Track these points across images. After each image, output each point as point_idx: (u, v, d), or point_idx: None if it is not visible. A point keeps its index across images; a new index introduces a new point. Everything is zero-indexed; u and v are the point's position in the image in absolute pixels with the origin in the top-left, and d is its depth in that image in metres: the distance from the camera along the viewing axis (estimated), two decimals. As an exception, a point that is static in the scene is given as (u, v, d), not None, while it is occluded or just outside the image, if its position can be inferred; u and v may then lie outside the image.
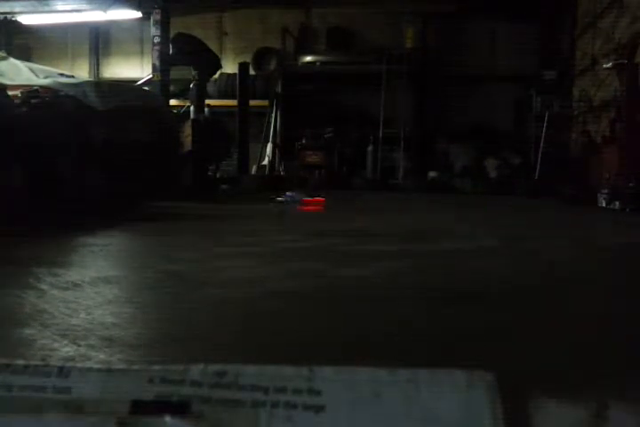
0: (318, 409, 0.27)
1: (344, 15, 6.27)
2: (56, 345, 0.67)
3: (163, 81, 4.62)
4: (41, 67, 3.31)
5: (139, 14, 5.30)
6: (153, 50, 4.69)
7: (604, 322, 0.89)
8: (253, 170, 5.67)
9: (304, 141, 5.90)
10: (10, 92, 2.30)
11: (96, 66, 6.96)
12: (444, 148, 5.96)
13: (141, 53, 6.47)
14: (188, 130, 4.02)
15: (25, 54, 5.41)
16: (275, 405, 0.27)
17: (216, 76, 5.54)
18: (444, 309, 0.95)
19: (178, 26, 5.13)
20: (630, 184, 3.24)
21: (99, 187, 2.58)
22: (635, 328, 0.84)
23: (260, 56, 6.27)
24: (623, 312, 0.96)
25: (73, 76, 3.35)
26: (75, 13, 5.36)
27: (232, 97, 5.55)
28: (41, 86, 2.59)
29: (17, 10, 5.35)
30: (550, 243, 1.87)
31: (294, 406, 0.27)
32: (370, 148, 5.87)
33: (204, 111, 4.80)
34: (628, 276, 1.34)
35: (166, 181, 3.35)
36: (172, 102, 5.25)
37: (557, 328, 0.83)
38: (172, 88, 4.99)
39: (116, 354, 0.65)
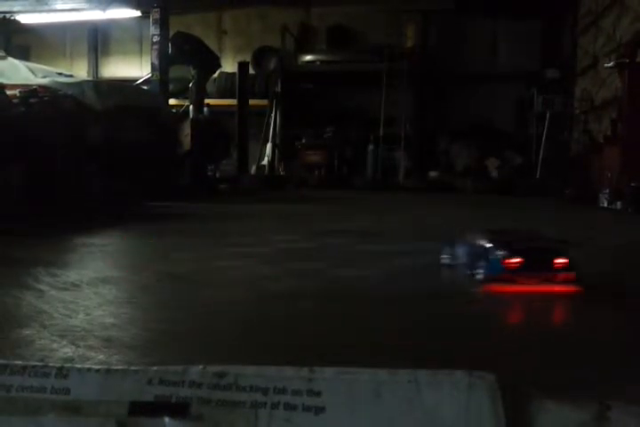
0: (318, 410, 0.27)
1: (344, 14, 6.25)
2: (55, 346, 0.67)
3: (162, 80, 4.61)
4: (39, 66, 3.30)
5: (137, 13, 5.28)
6: (152, 49, 4.67)
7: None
8: (253, 170, 5.66)
9: (304, 141, 5.88)
10: (8, 92, 2.29)
11: (95, 65, 6.94)
12: (444, 147, 5.94)
13: (140, 52, 6.44)
14: (187, 129, 4.01)
15: (24, 54, 5.39)
16: (274, 406, 0.27)
17: (215, 75, 5.53)
18: (443, 310, 0.95)
19: (177, 25, 5.10)
20: (632, 184, 3.19)
21: (97, 186, 2.57)
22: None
23: (260, 55, 6.25)
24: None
25: (72, 76, 3.35)
26: (73, 12, 5.35)
27: (231, 96, 5.53)
28: (39, 86, 2.58)
29: (16, 9, 5.33)
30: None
31: (294, 408, 0.27)
32: (370, 147, 5.86)
33: (203, 111, 4.79)
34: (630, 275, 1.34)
35: (165, 180, 3.33)
36: (171, 102, 5.23)
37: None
38: (171, 87, 4.98)
39: (115, 355, 0.64)
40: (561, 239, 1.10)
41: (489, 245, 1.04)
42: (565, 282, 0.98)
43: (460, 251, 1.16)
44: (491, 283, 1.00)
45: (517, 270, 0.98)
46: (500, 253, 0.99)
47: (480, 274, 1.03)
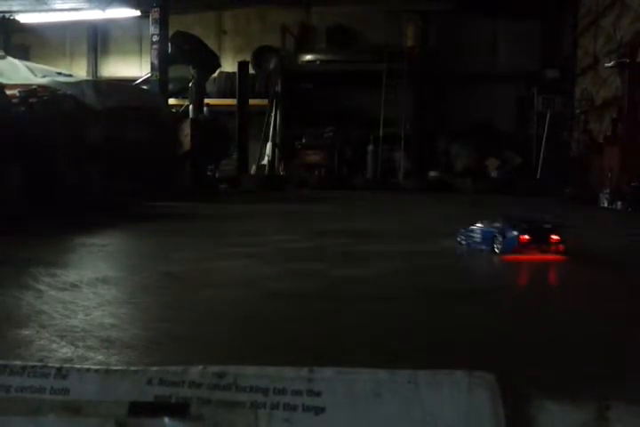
0: (318, 411, 0.27)
1: (344, 14, 6.25)
2: (54, 346, 0.67)
3: (161, 80, 4.61)
4: (39, 66, 3.31)
5: (137, 13, 5.29)
6: (152, 48, 4.67)
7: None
8: (253, 169, 5.65)
9: (304, 141, 5.89)
10: (8, 92, 2.29)
11: (94, 65, 6.94)
12: (444, 147, 5.94)
13: (140, 52, 6.45)
14: (186, 129, 4.00)
15: (23, 53, 5.39)
16: (274, 406, 0.27)
17: (215, 74, 5.53)
18: (443, 309, 0.94)
19: (177, 24, 5.11)
20: (632, 184, 3.22)
21: (97, 186, 2.56)
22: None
23: (260, 55, 6.25)
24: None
25: (71, 75, 3.36)
26: (73, 12, 5.36)
27: (231, 96, 5.54)
28: (39, 85, 2.58)
29: (15, 8, 5.34)
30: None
31: (294, 408, 0.27)
32: (370, 147, 5.86)
33: (203, 110, 4.79)
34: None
35: (165, 180, 3.33)
36: (171, 101, 5.23)
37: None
38: (170, 87, 4.97)
39: (115, 355, 0.64)
40: (557, 221, 1.53)
41: (505, 226, 1.43)
42: (557, 252, 1.38)
43: (475, 233, 1.53)
44: (506, 254, 1.38)
45: (526, 244, 1.36)
46: (515, 232, 1.39)
47: (498, 248, 1.42)
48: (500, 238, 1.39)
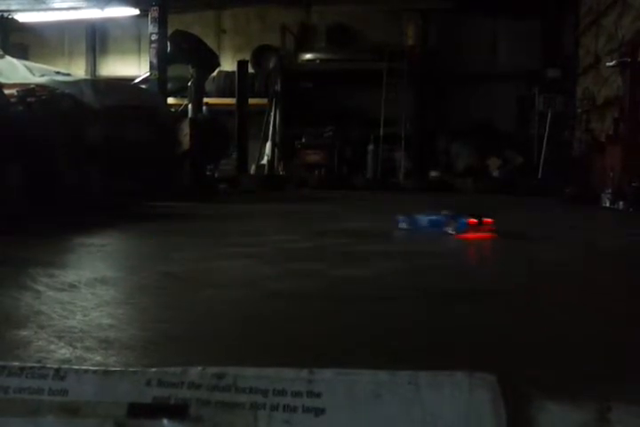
0: (318, 412, 0.27)
1: (344, 13, 6.24)
2: (52, 347, 0.67)
3: (160, 79, 4.60)
4: (37, 65, 3.31)
5: (136, 11, 5.29)
6: (150, 47, 4.67)
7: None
8: (252, 169, 5.65)
9: (304, 140, 5.88)
10: (6, 91, 2.29)
11: (93, 64, 6.93)
12: (444, 147, 5.94)
13: (139, 51, 6.44)
14: (186, 129, 4.00)
15: (22, 52, 5.38)
16: (274, 407, 0.27)
17: (214, 73, 5.52)
18: (443, 309, 0.95)
19: (176, 23, 5.10)
20: (634, 184, 3.20)
21: (97, 186, 2.57)
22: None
23: (260, 54, 6.24)
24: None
25: (70, 75, 3.36)
26: (71, 11, 5.36)
27: (231, 95, 5.52)
28: (37, 85, 2.58)
29: (13, 7, 5.34)
30: (551, 244, 1.87)
31: (294, 409, 0.27)
32: (370, 147, 5.86)
33: (202, 110, 4.78)
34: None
35: (164, 180, 3.33)
36: (170, 101, 5.23)
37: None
38: (169, 86, 4.97)
39: (113, 356, 0.64)
40: (484, 212, 2.00)
41: (455, 214, 1.96)
42: (490, 231, 1.87)
43: (422, 220, 2.00)
44: (459, 233, 1.85)
45: (471, 226, 1.86)
46: (465, 218, 1.90)
47: (452, 230, 1.88)
48: (453, 222, 1.87)
